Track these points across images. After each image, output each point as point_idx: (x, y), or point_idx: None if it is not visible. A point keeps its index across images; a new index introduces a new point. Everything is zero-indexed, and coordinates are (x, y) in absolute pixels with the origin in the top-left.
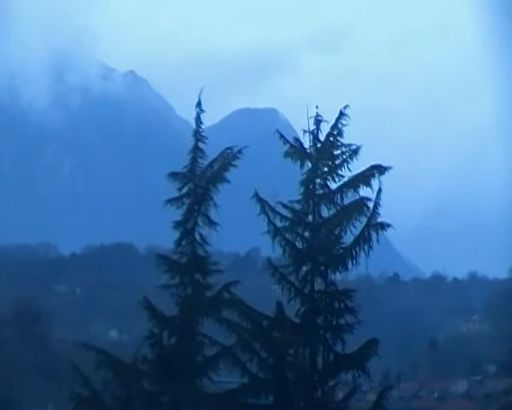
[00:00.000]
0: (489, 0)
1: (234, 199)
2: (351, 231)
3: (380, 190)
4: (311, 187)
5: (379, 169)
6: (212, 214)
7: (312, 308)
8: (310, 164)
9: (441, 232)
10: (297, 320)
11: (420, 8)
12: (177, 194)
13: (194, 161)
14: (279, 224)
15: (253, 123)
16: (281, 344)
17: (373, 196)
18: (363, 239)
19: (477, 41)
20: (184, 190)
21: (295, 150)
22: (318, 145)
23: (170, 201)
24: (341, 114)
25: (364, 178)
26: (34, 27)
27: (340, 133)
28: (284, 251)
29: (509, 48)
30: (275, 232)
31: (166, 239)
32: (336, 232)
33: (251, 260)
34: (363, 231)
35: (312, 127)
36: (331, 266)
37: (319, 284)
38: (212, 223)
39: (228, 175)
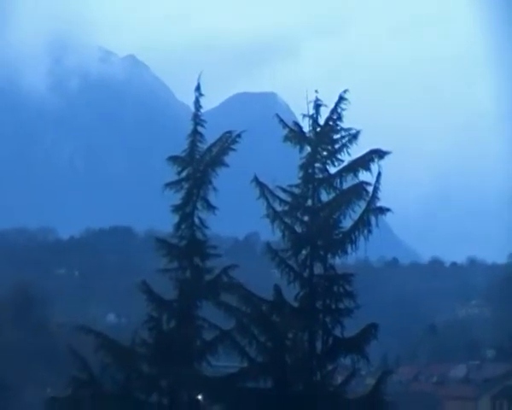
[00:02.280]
0: None
1: (233, 183)
2: (350, 215)
3: (379, 174)
4: (310, 171)
5: (378, 154)
6: (211, 198)
7: (311, 292)
8: (309, 148)
9: (440, 217)
10: (296, 304)
11: None
12: (176, 178)
13: (193, 144)
14: (278, 208)
15: (252, 107)
16: (280, 328)
17: (372, 180)
18: (363, 223)
19: (477, 26)
20: (183, 174)
21: (295, 134)
22: (318, 129)
23: (169, 184)
24: (341, 98)
25: (364, 162)
26: (33, 11)
27: (340, 117)
28: (283, 235)
29: (509, 33)
30: (274, 216)
31: (165, 223)
32: (335, 217)
33: (250, 244)
34: (362, 215)
35: (312, 111)
36: (330, 251)
37: (318, 268)
38: (210, 207)
39: (227, 159)
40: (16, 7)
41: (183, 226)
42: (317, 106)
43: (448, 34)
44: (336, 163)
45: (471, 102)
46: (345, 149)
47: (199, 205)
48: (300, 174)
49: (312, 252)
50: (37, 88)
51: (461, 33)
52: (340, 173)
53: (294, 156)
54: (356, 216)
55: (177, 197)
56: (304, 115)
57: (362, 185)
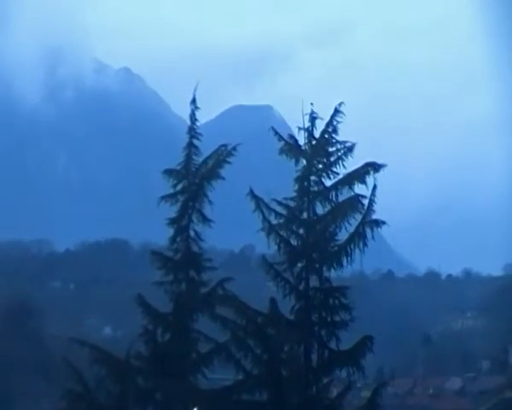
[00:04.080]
0: None
1: (228, 196)
2: (345, 228)
3: (374, 187)
4: (305, 184)
5: (373, 167)
6: (207, 211)
7: (307, 305)
8: (304, 161)
9: (436, 229)
10: (292, 317)
11: (417, 3)
12: (171, 191)
13: (188, 157)
14: (274, 221)
15: (247, 120)
16: (275, 341)
17: (368, 193)
18: (358, 236)
19: (476, 36)
20: (179, 187)
21: (290, 147)
22: (313, 142)
23: (164, 197)
24: (336, 111)
25: (359, 175)
26: (28, 21)
27: (335, 130)
28: (279, 248)
29: (508, 42)
30: (269, 229)
31: (161, 236)
32: (331, 229)
33: (245, 257)
34: (357, 228)
35: (307, 124)
36: (326, 263)
37: (314, 281)
38: (206, 220)
39: (222, 172)
40: (11, 17)
41: (178, 239)
42: (313, 119)
43: (446, 42)
44: (332, 176)
45: (469, 113)
46: (340, 162)
47: (194, 218)
48: (296, 187)
49: (308, 265)
50: (31, 98)
51: (460, 38)
52: (336, 186)
53: (290, 169)
54: (351, 229)
55: (172, 210)
56: (299, 128)
57: (357, 198)
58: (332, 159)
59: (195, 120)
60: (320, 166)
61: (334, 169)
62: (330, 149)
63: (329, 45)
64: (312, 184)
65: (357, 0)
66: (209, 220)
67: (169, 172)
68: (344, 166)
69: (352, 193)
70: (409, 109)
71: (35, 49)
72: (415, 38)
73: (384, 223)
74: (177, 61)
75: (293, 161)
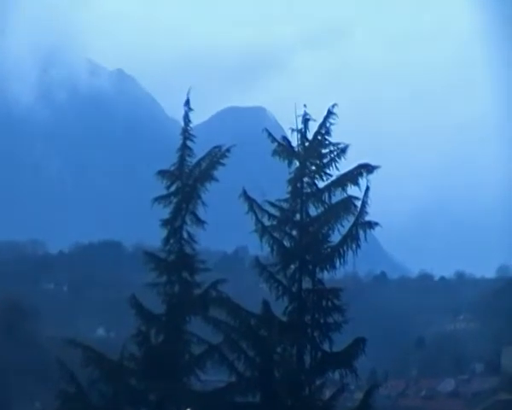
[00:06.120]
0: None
1: (222, 197)
2: (338, 229)
3: (367, 188)
4: (298, 186)
5: (367, 168)
6: (200, 213)
7: (300, 307)
8: (298, 163)
9: (429, 232)
10: (285, 319)
11: (413, 8)
12: (165, 192)
13: (182, 159)
14: (267, 222)
15: (240, 121)
16: (268, 343)
17: (361, 194)
18: (351, 238)
19: (473, 39)
20: (172, 189)
21: (283, 149)
22: (306, 144)
23: (158, 199)
24: (329, 112)
25: (352, 176)
26: (21, 22)
27: (328, 132)
28: (272, 250)
29: (504, 46)
30: (263, 231)
31: (154, 237)
32: (324, 231)
33: (238, 259)
34: (350, 229)
35: (300, 126)
36: (319, 265)
37: (307, 283)
38: (199, 221)
39: (216, 173)
40: (3, 18)
41: (171, 241)
42: (306, 120)
43: (442, 46)
44: (325, 177)
45: (463, 117)
46: (333, 164)
47: (187, 219)
48: (289, 189)
49: (301, 266)
50: (24, 100)
51: (457, 38)
52: (329, 188)
53: (283, 171)
54: (344, 230)
55: (165, 212)
56: (292, 130)
57: (350, 200)
58: (325, 160)
59: (189, 121)
60: (313, 167)
61: (327, 171)
62: (323, 151)
63: (323, 48)
64: (305, 185)
65: (352, 3)
66: (202, 222)
67: (162, 174)
68: (337, 167)
69: (345, 195)
70: (403, 111)
71: (28, 50)
72: (409, 41)
73: (377, 224)
74: (171, 63)
75: (286, 162)
